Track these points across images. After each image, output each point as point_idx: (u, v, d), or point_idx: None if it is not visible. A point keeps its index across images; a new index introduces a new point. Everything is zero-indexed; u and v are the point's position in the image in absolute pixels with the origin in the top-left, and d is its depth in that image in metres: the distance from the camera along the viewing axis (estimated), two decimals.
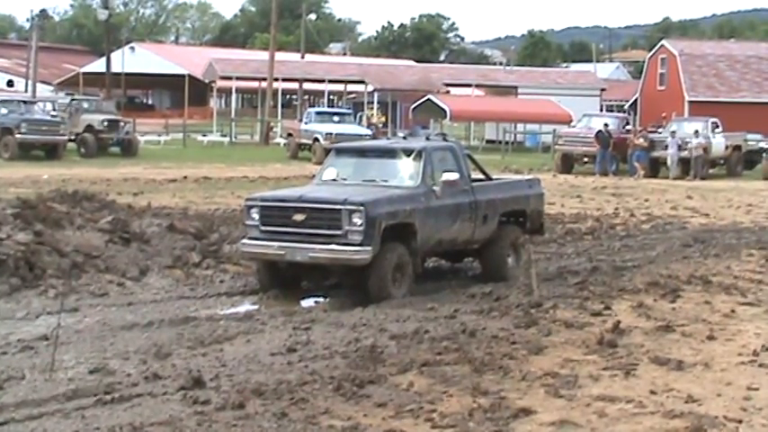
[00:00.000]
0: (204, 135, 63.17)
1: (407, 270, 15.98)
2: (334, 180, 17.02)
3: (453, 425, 9.62)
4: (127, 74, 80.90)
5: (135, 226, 19.27)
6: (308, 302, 15.85)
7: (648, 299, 15.82)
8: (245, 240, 16.32)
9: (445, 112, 62.20)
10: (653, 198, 34.26)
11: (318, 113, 53.21)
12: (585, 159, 47.24)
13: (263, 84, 68.37)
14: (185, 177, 37.52)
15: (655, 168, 44.77)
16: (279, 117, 68.55)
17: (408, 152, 16.96)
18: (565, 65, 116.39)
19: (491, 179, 18.79)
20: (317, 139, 48.27)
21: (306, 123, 51.12)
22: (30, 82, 71.61)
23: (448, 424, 9.65)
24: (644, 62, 73.01)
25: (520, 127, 65.78)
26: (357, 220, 15.33)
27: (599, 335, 13.17)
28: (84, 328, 13.41)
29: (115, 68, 72.30)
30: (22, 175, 35.85)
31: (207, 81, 76.69)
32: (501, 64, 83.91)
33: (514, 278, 17.38)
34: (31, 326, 13.59)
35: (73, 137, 47.81)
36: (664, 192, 36.99)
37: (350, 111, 59.65)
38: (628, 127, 49.90)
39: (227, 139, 63.22)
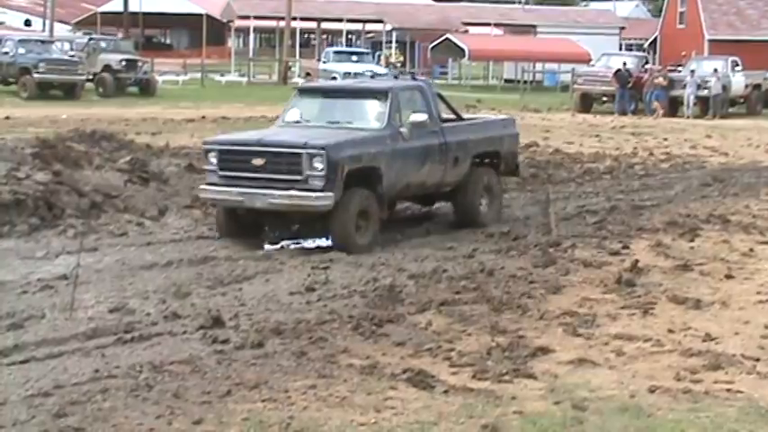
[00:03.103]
0: (222, 75, 63.00)
1: (373, 216, 15.27)
2: (297, 122, 16.20)
3: (471, 363, 9.67)
4: (145, 13, 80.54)
5: (153, 166, 19.30)
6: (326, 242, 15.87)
7: (667, 238, 15.80)
8: (203, 186, 15.71)
9: (464, 51, 61.90)
10: (672, 137, 34.10)
11: (337, 53, 53.08)
12: (604, 98, 47.00)
13: (282, 23, 68.05)
14: (204, 117, 37.48)
15: (674, 107, 44.51)
16: (297, 57, 68.30)
17: (374, 93, 16.37)
18: (584, 3, 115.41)
19: (463, 119, 18.00)
20: (335, 79, 48.13)
21: (324, 63, 51.09)
22: (47, 21, 71.42)
23: (466, 362, 9.70)
24: (664, 0, 72.40)
25: (539, 66, 65.46)
26: (318, 164, 14.64)
27: (617, 274, 13.19)
28: (104, 268, 13.46)
29: (133, 8, 72.03)
30: (40, 114, 35.86)
31: (225, 20, 76.37)
32: (520, 3, 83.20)
33: (488, 223, 16.86)
34: (51, 265, 13.63)
35: (91, 76, 47.72)
36: (683, 131, 36.80)
37: (368, 50, 59.42)
38: (647, 66, 49.56)
39: (245, 79, 63.05)
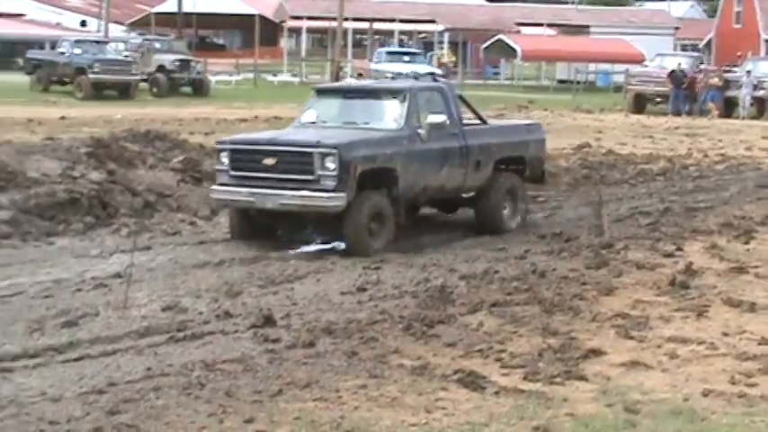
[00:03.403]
0: (275, 75, 63.23)
1: (388, 219, 14.90)
2: (313, 123, 15.94)
3: (523, 365, 9.63)
4: (198, 14, 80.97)
5: (206, 165, 19.37)
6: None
7: (721, 240, 15.66)
8: (214, 186, 15.50)
9: (516, 51, 61.74)
10: (727, 138, 33.77)
11: (389, 53, 53.15)
12: (658, 99, 46.71)
13: (334, 23, 68.19)
14: (256, 117, 37.58)
15: (729, 108, 44.11)
16: (349, 57, 68.40)
17: (392, 93, 15.98)
18: (638, 3, 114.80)
19: (486, 123, 17.52)
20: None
21: (376, 63, 51.10)
22: (102, 22, 72.00)
23: (517, 364, 9.66)
24: (719, 0, 71.82)
25: (592, 67, 65.14)
26: (330, 164, 14.35)
27: (671, 276, 13.09)
28: (157, 267, 13.54)
29: (186, 8, 72.48)
30: (95, 114, 36.13)
31: (277, 21, 76.64)
32: (573, 3, 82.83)
33: (512, 230, 16.43)
34: (105, 263, 13.75)
35: (145, 77, 48.09)
36: (738, 132, 36.43)
37: (420, 51, 59.40)
38: (702, 66, 49.18)
39: (297, 79, 63.23)
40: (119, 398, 8.50)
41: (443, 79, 17.97)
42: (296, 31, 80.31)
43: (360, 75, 53.96)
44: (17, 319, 10.78)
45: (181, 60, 49.48)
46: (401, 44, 75.70)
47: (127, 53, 50.44)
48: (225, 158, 15.18)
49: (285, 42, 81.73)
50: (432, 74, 17.08)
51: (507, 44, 62.65)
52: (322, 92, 17.08)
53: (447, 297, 11.93)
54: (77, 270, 13.32)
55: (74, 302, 11.56)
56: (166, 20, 79.80)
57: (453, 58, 66.41)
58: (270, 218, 15.23)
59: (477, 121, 17.34)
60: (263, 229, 15.39)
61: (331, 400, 8.64)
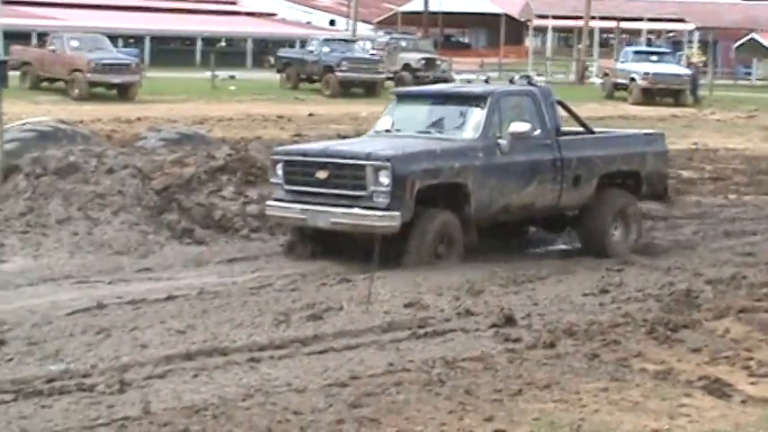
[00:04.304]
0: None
1: (456, 242, 13.58)
2: (387, 131, 14.56)
3: None
4: (444, 13, 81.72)
5: None
6: None
7: None
8: (269, 202, 14.31)
9: None
10: None
11: (636, 53, 52.22)
12: None
13: (580, 22, 67.68)
14: None
15: None
16: (595, 56, 67.73)
17: (473, 99, 14.36)
18: None
19: (592, 132, 15.67)
20: (633, 79, 47.58)
21: (622, 63, 50.40)
22: (351, 21, 73.43)
23: (766, 373, 9.37)
24: None
25: None
26: (384, 178, 13.04)
27: None
28: (399, 263, 13.66)
29: (433, 7, 73.21)
30: (341, 111, 36.88)
31: (523, 20, 76.57)
32: None
33: (620, 254, 14.49)
34: (348, 259, 13.95)
35: (391, 75, 48.77)
36: None
37: (669, 50, 58.29)
38: None
39: (542, 79, 62.97)
40: (360, 391, 8.62)
41: (543, 83, 16.72)
42: (541, 30, 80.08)
43: (606, 74, 53.30)
44: (264, 311, 11.08)
45: (426, 59, 50.01)
46: (649, 43, 74.49)
47: (373, 52, 51.27)
48: (279, 171, 14.06)
49: (530, 41, 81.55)
50: (527, 77, 15.26)
51: (760, 43, 60.87)
52: (402, 97, 15.61)
53: (692, 302, 11.69)
54: (321, 264, 13.59)
55: (318, 296, 11.80)
56: (412, 19, 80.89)
57: (703, 58, 64.91)
58: (329, 236, 13.83)
59: (582, 131, 15.76)
60: (324, 247, 13.94)
61: (571, 401, 8.57)
